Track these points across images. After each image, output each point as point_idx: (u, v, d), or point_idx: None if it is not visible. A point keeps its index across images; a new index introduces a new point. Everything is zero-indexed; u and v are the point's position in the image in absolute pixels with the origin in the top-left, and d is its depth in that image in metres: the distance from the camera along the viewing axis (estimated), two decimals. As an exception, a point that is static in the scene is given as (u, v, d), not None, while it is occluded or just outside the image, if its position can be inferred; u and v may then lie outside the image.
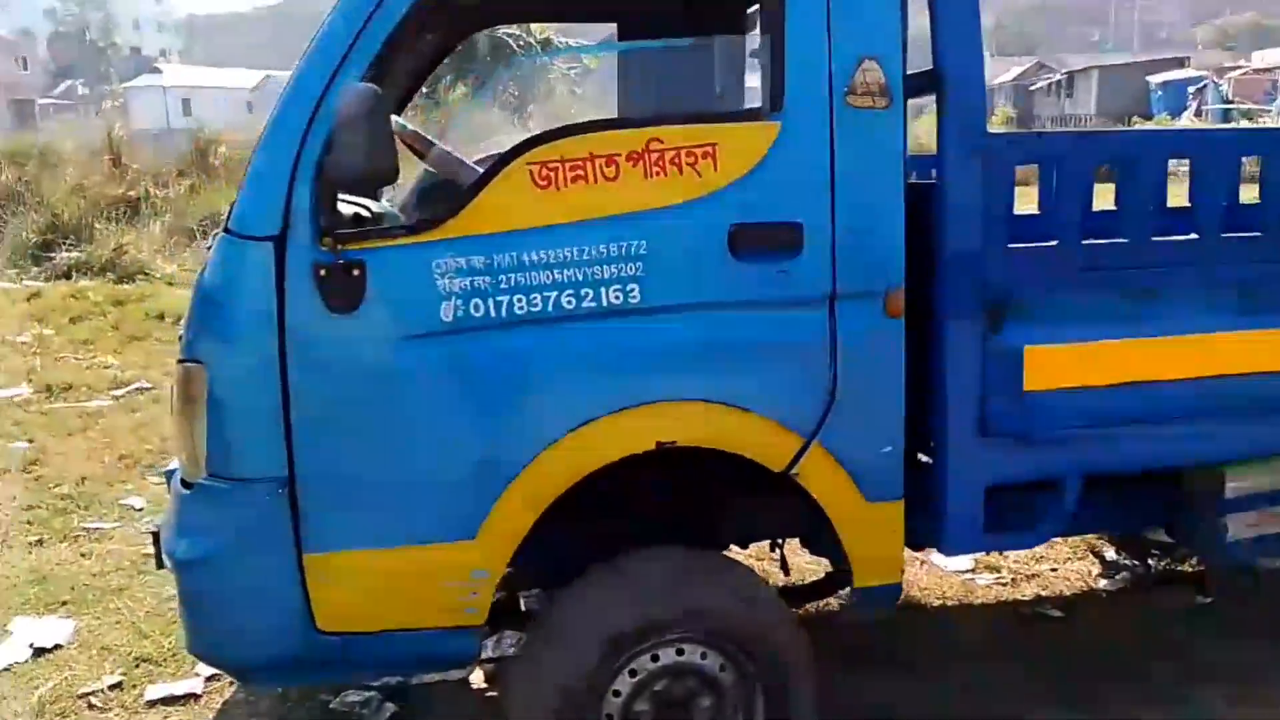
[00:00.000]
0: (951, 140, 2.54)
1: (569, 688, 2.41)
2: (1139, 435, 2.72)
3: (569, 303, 2.35)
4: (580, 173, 2.34)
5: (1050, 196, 3.22)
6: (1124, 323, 2.66)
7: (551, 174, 2.33)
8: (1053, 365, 2.62)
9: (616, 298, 2.36)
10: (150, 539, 2.77)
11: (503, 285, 2.32)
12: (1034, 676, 3.33)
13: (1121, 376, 2.66)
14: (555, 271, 2.34)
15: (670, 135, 2.36)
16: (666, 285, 2.38)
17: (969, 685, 3.28)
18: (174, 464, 2.64)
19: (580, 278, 2.35)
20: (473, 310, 2.32)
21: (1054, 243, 2.69)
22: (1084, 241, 2.66)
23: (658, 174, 2.37)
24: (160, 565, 2.71)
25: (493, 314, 2.32)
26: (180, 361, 2.41)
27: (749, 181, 2.40)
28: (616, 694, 2.47)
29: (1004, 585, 4.06)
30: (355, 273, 2.26)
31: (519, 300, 2.33)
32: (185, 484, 2.45)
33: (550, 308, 2.34)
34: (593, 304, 2.36)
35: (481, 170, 2.42)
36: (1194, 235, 2.76)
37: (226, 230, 2.32)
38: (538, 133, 2.41)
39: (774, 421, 2.48)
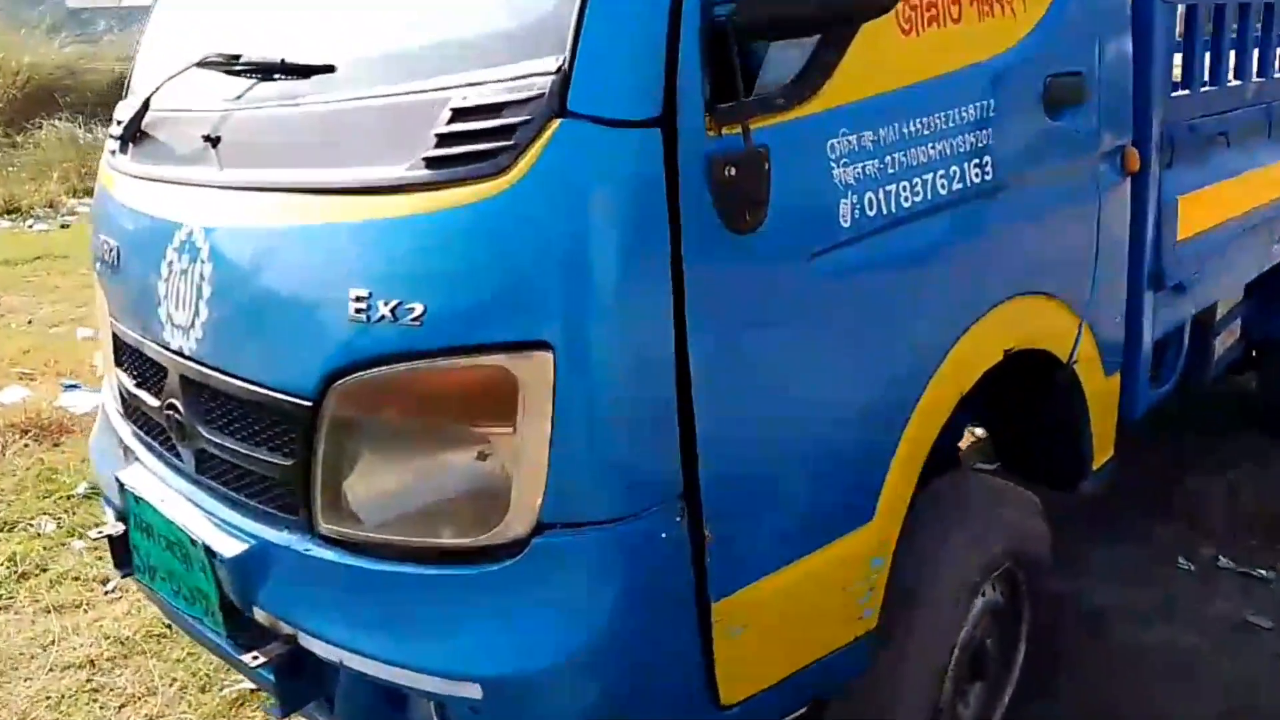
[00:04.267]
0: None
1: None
2: (1219, 270, 2.87)
3: (943, 186, 1.79)
4: (934, 11, 1.76)
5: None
6: (1227, 163, 2.76)
7: (913, 13, 1.72)
8: (1192, 213, 2.62)
9: (975, 175, 1.85)
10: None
11: (890, 169, 1.69)
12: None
13: (1223, 217, 2.77)
14: (930, 146, 1.75)
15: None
16: (1007, 155, 1.92)
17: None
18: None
19: (949, 152, 1.79)
20: (867, 207, 1.65)
21: (1193, 90, 2.66)
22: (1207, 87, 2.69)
23: (986, 13, 1.88)
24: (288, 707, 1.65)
25: (884, 210, 1.68)
26: (464, 353, 1.41)
27: (1048, 24, 2.00)
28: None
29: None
30: (765, 166, 1.48)
31: (904, 189, 1.71)
32: (455, 554, 1.48)
33: (930, 194, 1.76)
34: (960, 185, 1.82)
35: None
36: None
37: (561, 112, 1.36)
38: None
39: (1064, 304, 2.17)
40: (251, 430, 1.71)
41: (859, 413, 1.73)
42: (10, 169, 10.06)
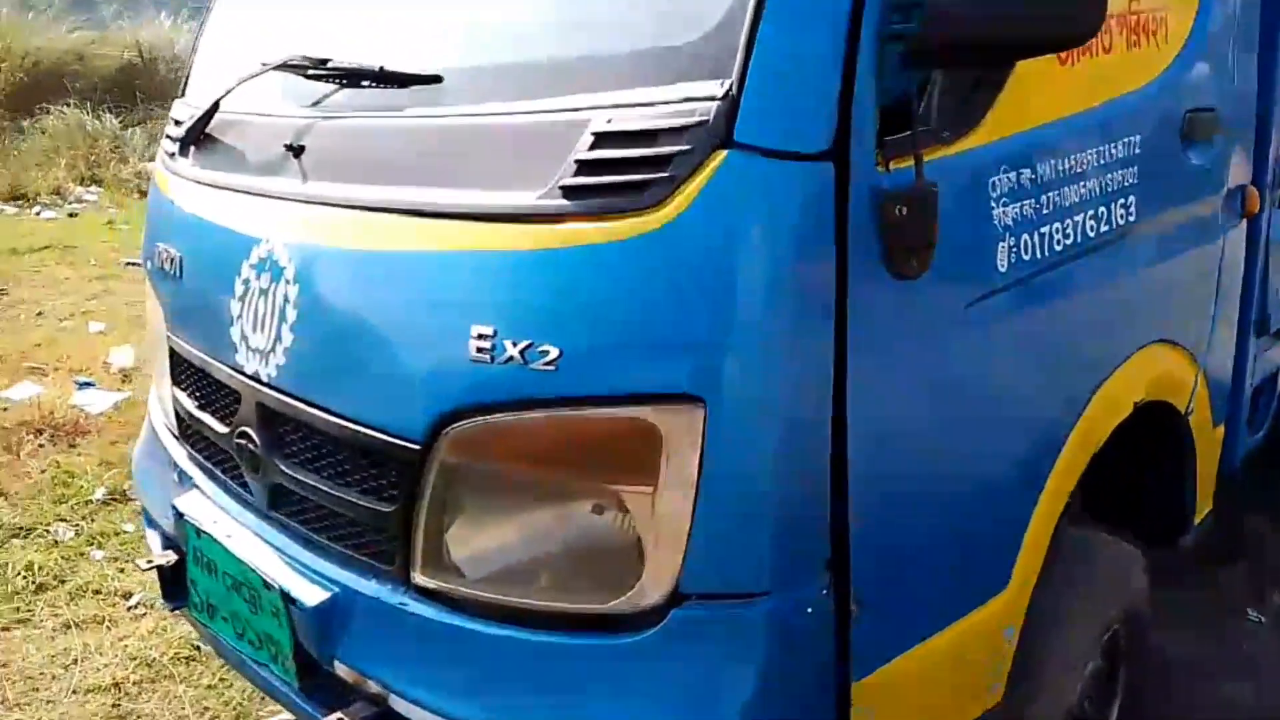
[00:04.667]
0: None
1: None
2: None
3: (1091, 228, 1.66)
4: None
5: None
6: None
7: (1072, 41, 1.59)
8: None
9: (1120, 216, 1.73)
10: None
11: (1045, 208, 1.56)
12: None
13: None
14: (1081, 184, 1.63)
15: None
16: (1148, 194, 1.79)
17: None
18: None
19: (1098, 191, 1.67)
20: (1022, 250, 1.52)
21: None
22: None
23: (1134, 43, 1.75)
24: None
25: (1037, 253, 1.55)
26: (604, 403, 1.28)
27: (1188, 54, 1.89)
28: None
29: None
30: (936, 205, 1.34)
31: (1056, 230, 1.59)
32: (573, 620, 1.35)
33: (1079, 236, 1.63)
34: (1105, 227, 1.69)
35: None
36: None
37: (726, 142, 1.23)
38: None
39: (1187, 352, 2.05)
40: (341, 470, 1.57)
41: (1007, 470, 1.60)
42: (16, 154, 9.85)
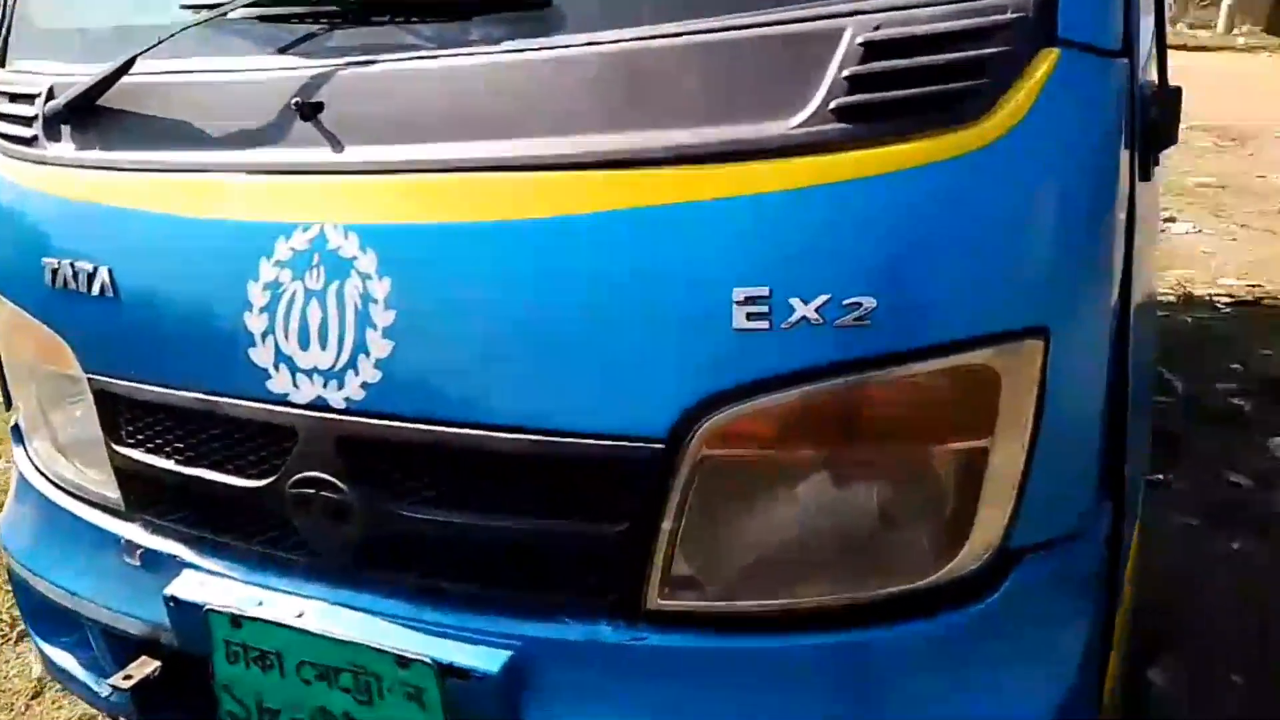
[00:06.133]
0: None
1: None
2: None
3: None
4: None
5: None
6: None
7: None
8: None
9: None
10: None
11: None
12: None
13: None
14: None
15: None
16: None
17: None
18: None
19: None
20: None
21: None
22: None
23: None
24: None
25: None
26: (933, 354, 1.09)
27: None
28: None
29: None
30: (1179, 104, 1.28)
31: None
32: (876, 608, 1.18)
33: None
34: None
35: None
36: None
37: (1051, 40, 1.07)
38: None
39: None
40: (520, 497, 1.26)
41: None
42: None
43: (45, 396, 1.68)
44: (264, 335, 1.34)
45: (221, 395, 1.41)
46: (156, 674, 1.54)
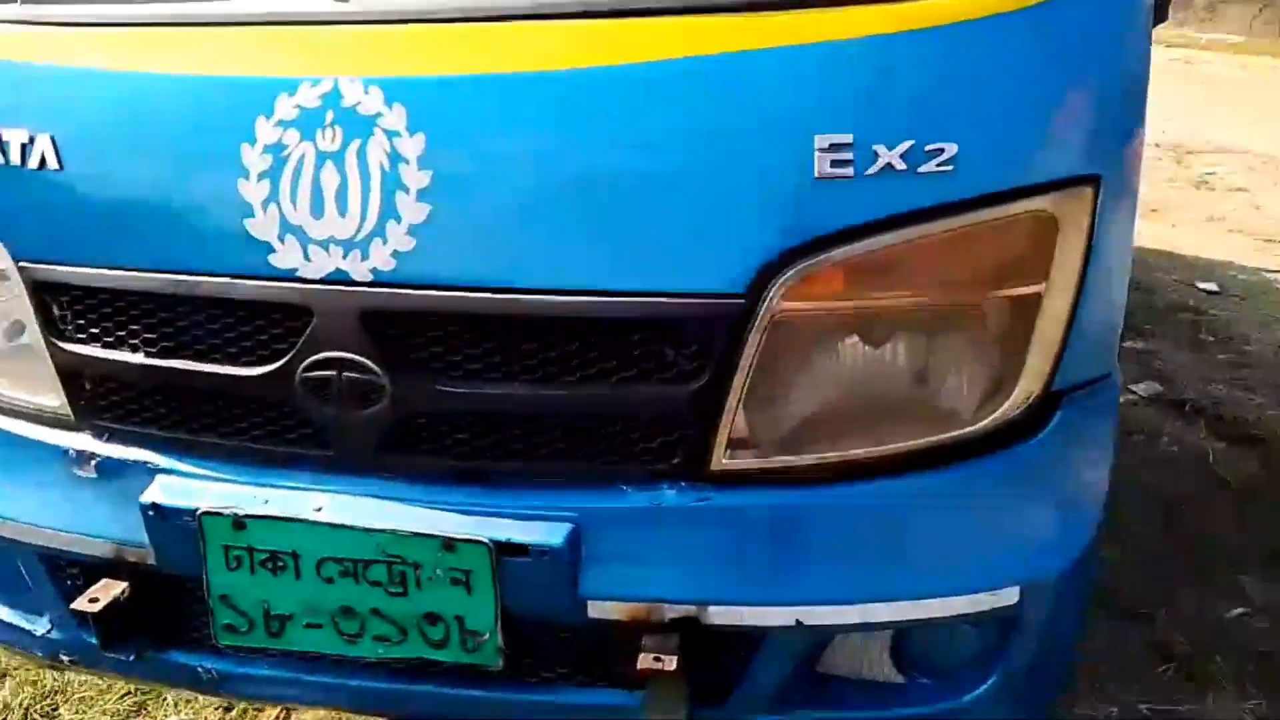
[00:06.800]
0: None
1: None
2: None
3: None
4: None
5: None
6: None
7: None
8: None
9: None
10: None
11: None
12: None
13: None
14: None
15: None
16: None
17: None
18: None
19: None
20: None
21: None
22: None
23: None
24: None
25: None
26: (1008, 198, 1.14)
27: None
28: None
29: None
30: None
31: None
32: (933, 452, 1.24)
33: None
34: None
35: None
36: None
37: None
38: None
39: None
40: (581, 362, 1.21)
41: None
42: None
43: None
44: (264, 204, 1.22)
45: (208, 275, 1.27)
46: (125, 596, 1.38)
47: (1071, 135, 1.17)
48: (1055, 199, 1.17)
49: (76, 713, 2.18)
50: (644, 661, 1.22)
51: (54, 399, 1.41)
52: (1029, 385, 1.23)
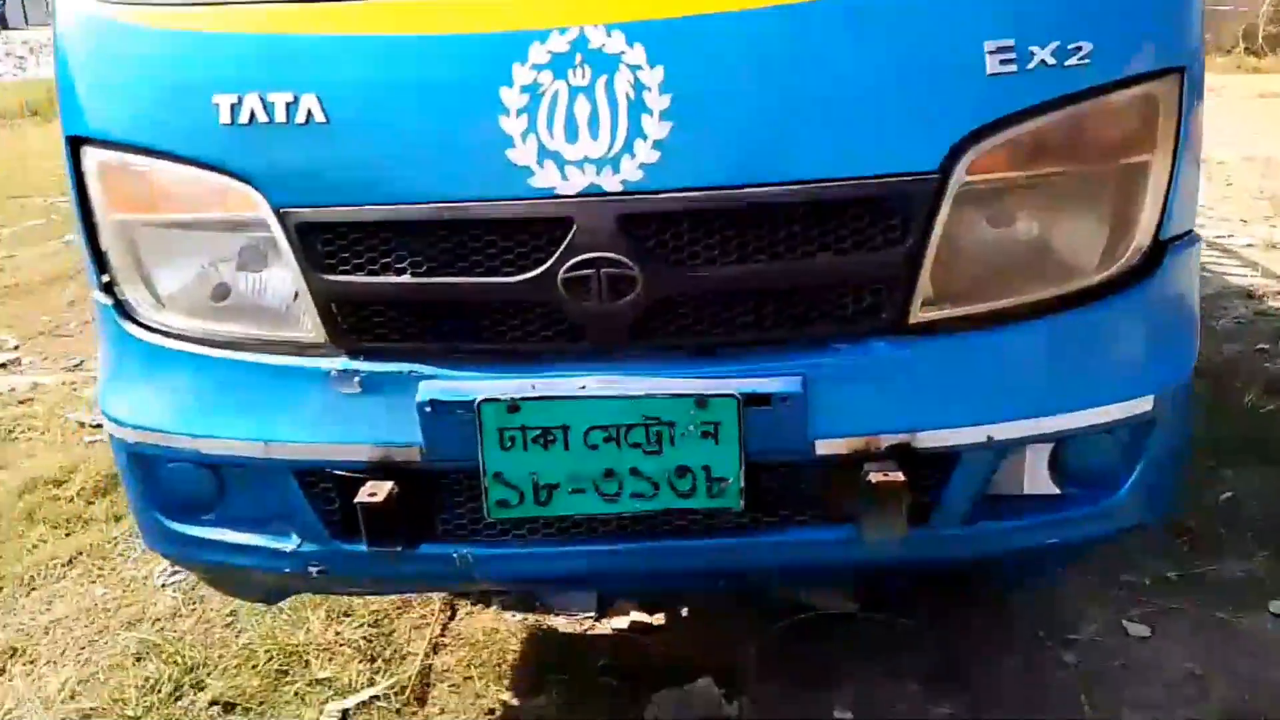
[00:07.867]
0: None
1: None
2: None
3: None
4: None
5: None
6: None
7: None
8: None
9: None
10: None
11: None
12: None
13: None
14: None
15: None
16: None
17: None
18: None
19: None
20: None
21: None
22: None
23: None
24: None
25: None
26: (1128, 84, 1.49)
27: None
28: None
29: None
30: None
31: None
32: (1076, 295, 1.57)
33: None
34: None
35: None
36: None
37: None
38: None
39: None
40: (806, 239, 1.48)
41: None
42: None
43: (198, 252, 1.64)
44: (524, 135, 1.46)
45: (473, 200, 1.50)
46: (396, 492, 1.57)
47: (1168, 35, 1.53)
48: (1158, 85, 1.52)
49: (224, 681, 2.30)
50: (874, 478, 1.50)
51: (305, 331, 1.61)
52: (1143, 238, 1.57)
